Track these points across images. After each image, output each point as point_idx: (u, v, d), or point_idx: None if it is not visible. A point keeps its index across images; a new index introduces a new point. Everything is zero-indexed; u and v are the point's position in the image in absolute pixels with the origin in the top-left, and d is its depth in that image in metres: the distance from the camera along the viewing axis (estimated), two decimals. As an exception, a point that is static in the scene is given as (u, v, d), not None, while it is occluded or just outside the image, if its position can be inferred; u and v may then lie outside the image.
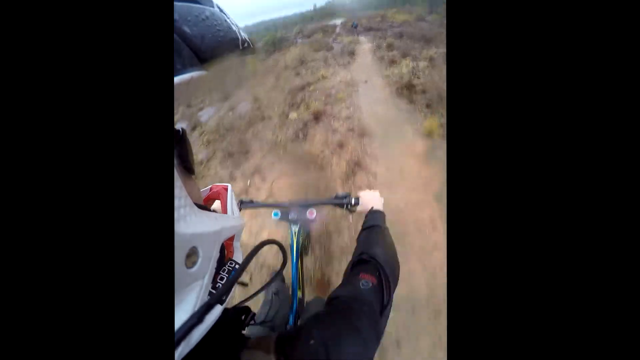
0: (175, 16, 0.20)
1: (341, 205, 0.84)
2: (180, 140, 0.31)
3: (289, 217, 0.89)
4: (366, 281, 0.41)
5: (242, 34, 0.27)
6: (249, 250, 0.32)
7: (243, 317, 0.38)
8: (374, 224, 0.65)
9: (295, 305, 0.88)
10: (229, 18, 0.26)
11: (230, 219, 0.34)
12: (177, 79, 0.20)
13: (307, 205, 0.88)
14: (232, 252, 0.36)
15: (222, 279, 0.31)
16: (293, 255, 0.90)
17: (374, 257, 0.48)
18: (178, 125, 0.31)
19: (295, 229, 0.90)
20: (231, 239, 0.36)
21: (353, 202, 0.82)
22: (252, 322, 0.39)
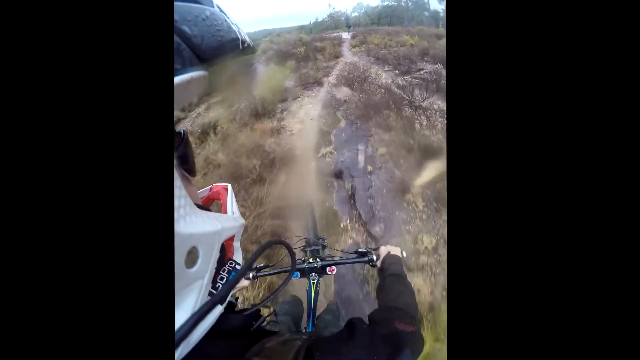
0: (175, 16, 0.20)
1: (363, 262, 0.82)
2: (181, 142, 0.31)
3: (310, 278, 0.89)
4: (404, 329, 0.43)
5: (242, 33, 0.27)
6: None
7: (253, 322, 0.38)
8: (395, 272, 0.67)
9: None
10: (229, 18, 0.26)
11: (230, 219, 0.34)
12: (177, 79, 0.20)
13: (328, 264, 0.87)
14: (232, 252, 0.36)
15: (222, 279, 0.31)
16: (311, 301, 0.93)
17: (408, 308, 0.52)
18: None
19: (313, 280, 0.91)
20: (231, 238, 0.36)
21: (375, 258, 0.80)
22: (261, 325, 0.38)
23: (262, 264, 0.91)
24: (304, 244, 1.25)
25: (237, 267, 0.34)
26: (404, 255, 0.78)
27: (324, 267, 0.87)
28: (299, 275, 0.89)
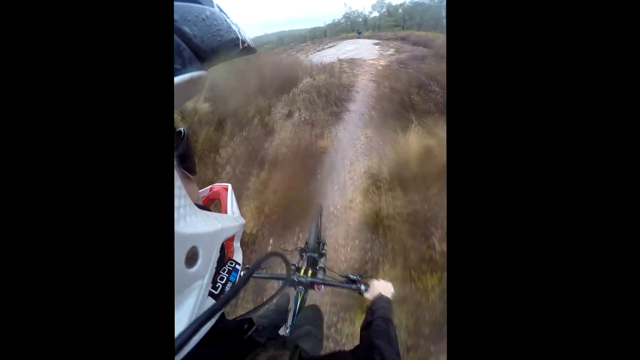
0: (175, 16, 0.20)
1: (351, 289, 0.84)
2: (181, 141, 0.31)
3: (296, 290, 0.93)
4: None
5: (242, 33, 0.27)
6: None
7: (245, 326, 0.39)
8: (383, 315, 0.66)
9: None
10: (229, 18, 0.26)
11: (230, 219, 0.34)
12: (177, 79, 0.20)
13: (317, 283, 0.89)
14: (232, 252, 0.36)
15: (222, 278, 0.31)
16: (296, 306, 1.00)
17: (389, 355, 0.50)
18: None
19: (300, 292, 0.95)
20: (231, 238, 0.36)
21: (362, 288, 0.81)
22: (254, 333, 0.39)
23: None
24: (302, 245, 1.28)
25: (237, 267, 0.35)
26: (393, 291, 0.80)
27: (312, 284, 0.89)
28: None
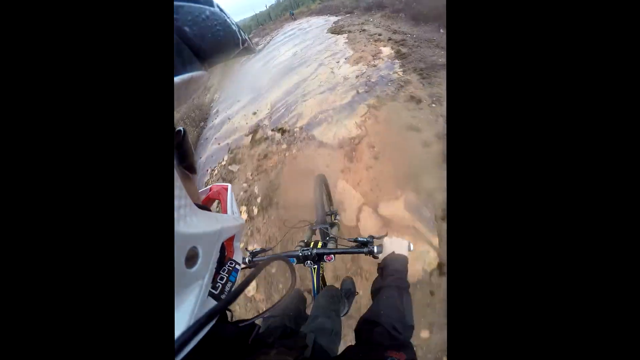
0: (175, 16, 0.20)
1: (363, 253, 0.76)
2: (181, 141, 0.31)
3: (307, 266, 0.86)
4: (392, 359, 0.41)
5: (242, 33, 0.27)
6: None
7: (256, 326, 0.38)
8: (396, 283, 0.59)
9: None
10: (229, 18, 0.26)
11: (230, 219, 0.34)
12: (177, 79, 0.20)
13: (324, 253, 0.83)
14: (232, 252, 0.36)
15: (222, 278, 0.31)
16: (314, 285, 0.93)
17: (405, 337, 0.49)
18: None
19: (313, 267, 0.88)
20: (231, 239, 0.36)
21: (376, 250, 0.74)
22: (256, 337, 0.38)
23: (258, 249, 0.89)
24: (313, 220, 1.19)
25: (237, 267, 0.35)
26: (411, 248, 0.70)
27: (320, 255, 0.82)
28: (295, 261, 0.85)
